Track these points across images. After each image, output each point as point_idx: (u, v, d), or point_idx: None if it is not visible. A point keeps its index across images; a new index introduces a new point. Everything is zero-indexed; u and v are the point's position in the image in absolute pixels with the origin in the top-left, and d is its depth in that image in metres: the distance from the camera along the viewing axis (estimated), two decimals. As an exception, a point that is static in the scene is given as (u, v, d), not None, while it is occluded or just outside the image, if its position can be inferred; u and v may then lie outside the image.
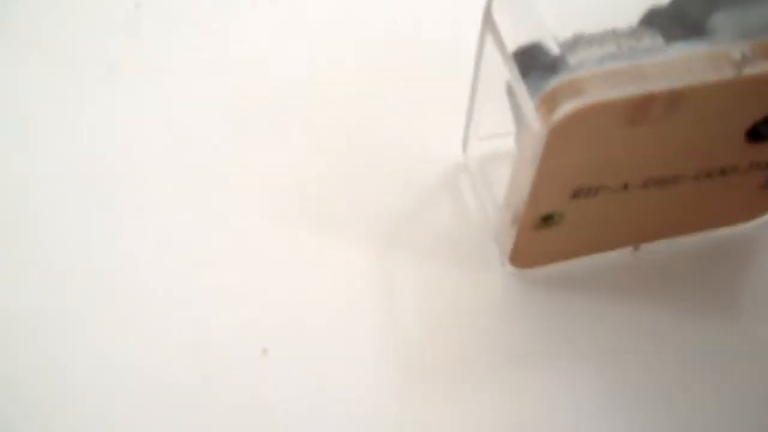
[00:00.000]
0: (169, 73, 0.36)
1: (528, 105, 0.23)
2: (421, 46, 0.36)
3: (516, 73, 0.24)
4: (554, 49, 0.25)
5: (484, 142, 0.32)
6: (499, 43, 0.25)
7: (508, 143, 0.28)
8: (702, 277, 0.31)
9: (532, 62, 0.25)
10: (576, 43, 0.26)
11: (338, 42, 0.37)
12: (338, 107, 0.35)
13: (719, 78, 0.23)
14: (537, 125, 0.23)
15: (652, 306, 0.31)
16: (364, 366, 0.29)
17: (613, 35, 0.26)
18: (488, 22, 0.26)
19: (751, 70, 0.23)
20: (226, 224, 0.32)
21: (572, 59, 0.25)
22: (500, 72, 0.26)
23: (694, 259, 0.32)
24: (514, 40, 0.26)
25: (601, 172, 0.26)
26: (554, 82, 0.23)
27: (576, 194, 0.27)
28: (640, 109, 0.23)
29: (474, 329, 0.30)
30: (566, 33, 0.26)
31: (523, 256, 0.30)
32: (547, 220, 0.28)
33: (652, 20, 0.27)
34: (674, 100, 0.23)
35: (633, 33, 0.26)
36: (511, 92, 0.26)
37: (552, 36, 0.25)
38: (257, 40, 0.37)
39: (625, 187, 0.27)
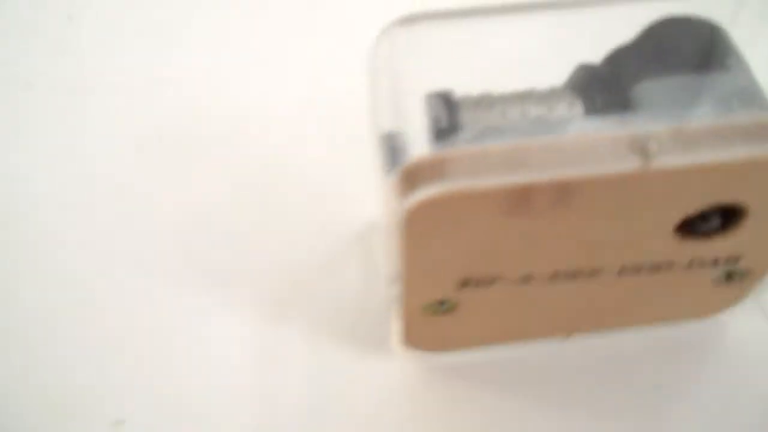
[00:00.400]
0: (88, 95, 0.33)
1: (387, 181, 0.19)
2: (340, 105, 0.31)
3: (380, 137, 0.20)
4: (441, 115, 0.21)
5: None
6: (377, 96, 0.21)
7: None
8: (640, 379, 0.27)
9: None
10: (478, 104, 0.22)
11: (264, 91, 0.33)
12: (255, 154, 0.31)
13: (621, 170, 0.19)
14: (393, 207, 0.19)
15: (575, 408, 0.26)
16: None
17: (522, 98, 0.22)
18: (373, 74, 0.22)
19: (666, 161, 0.19)
20: (107, 272, 0.29)
21: (467, 124, 0.21)
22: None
23: (633, 357, 0.27)
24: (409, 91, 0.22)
25: (489, 262, 0.22)
26: (420, 156, 0.19)
27: (465, 284, 0.22)
28: (518, 201, 0.19)
29: (361, 423, 0.26)
30: (482, 85, 0.22)
31: (420, 339, 0.26)
32: (439, 306, 0.23)
33: (576, 82, 0.22)
34: (561, 192, 0.19)
35: (548, 97, 0.22)
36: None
37: (439, 99, 0.21)
38: (190, 67, 0.34)
39: (528, 279, 0.23)
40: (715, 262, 0.23)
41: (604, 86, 0.22)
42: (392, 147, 0.20)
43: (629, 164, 0.18)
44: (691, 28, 0.22)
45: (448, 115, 0.21)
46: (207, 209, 0.30)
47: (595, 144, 0.19)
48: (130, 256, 0.29)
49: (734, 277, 0.24)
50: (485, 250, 0.21)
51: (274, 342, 0.27)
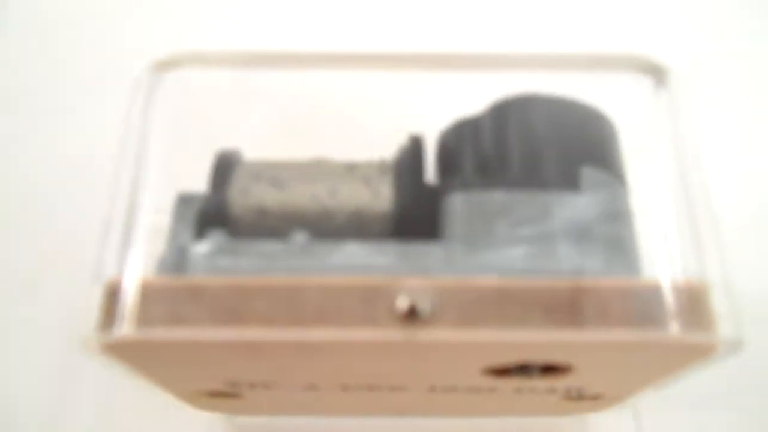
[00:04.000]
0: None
1: (91, 291, 0.15)
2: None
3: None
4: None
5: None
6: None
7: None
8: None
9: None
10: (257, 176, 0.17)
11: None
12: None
13: (378, 338, 0.14)
14: (82, 329, 0.15)
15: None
16: None
17: (313, 169, 0.17)
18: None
19: (440, 334, 0.14)
20: None
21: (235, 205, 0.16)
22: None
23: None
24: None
25: (252, 375, 0.18)
26: (127, 272, 0.15)
27: (236, 385, 0.18)
28: (247, 350, 0.15)
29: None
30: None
31: (208, 407, 0.22)
32: (216, 394, 0.20)
33: (399, 155, 0.17)
34: (297, 348, 0.14)
35: (348, 171, 0.17)
36: None
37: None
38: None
39: (314, 387, 0.19)
40: (553, 391, 0.19)
41: (420, 174, 0.17)
42: (109, 244, 0.15)
43: (385, 332, 0.14)
44: (560, 115, 0.17)
45: (216, 184, 0.17)
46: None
47: (346, 297, 0.14)
48: None
49: (584, 398, 0.20)
50: (234, 370, 0.17)
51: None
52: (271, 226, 0.16)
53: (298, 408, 0.22)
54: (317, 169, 0.17)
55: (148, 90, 0.16)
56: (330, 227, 0.16)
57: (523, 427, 0.23)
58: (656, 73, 0.16)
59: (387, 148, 0.17)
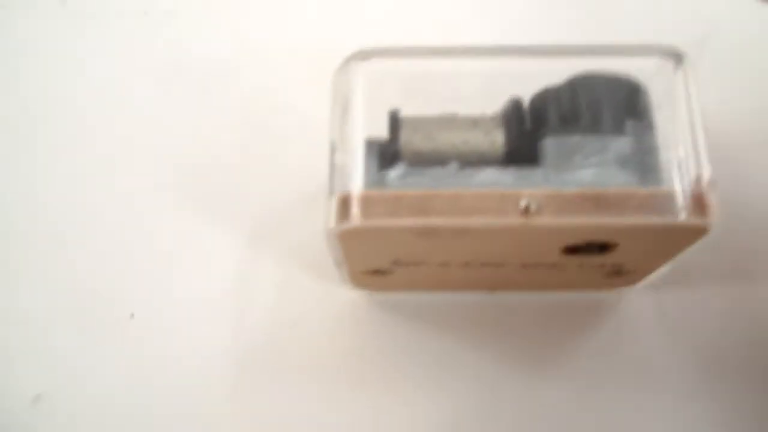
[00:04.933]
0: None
1: (328, 202, 0.25)
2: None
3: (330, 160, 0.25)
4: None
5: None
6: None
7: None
8: (546, 333, 0.33)
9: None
10: (415, 126, 0.26)
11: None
12: (249, 96, 0.36)
13: (506, 223, 0.24)
14: (330, 224, 0.25)
15: (495, 352, 0.33)
16: (205, 351, 0.33)
17: (449, 122, 0.26)
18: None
19: (542, 221, 0.24)
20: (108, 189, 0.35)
21: (403, 146, 0.26)
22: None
23: (545, 313, 0.33)
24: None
25: (411, 256, 0.28)
26: (353, 191, 0.24)
27: (396, 263, 0.29)
28: (425, 233, 0.25)
29: (318, 337, 0.33)
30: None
31: (364, 285, 0.32)
32: (376, 272, 0.30)
33: (505, 113, 0.27)
34: (459, 232, 0.24)
35: (473, 123, 0.26)
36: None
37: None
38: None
39: (447, 264, 0.29)
40: (602, 266, 0.29)
41: (522, 125, 0.26)
42: (336, 171, 0.25)
43: (513, 220, 0.24)
44: (610, 85, 0.26)
45: (392, 135, 0.26)
46: (205, 142, 0.36)
47: (488, 200, 0.24)
48: (131, 177, 0.35)
49: (622, 273, 0.30)
50: (406, 251, 0.27)
51: (250, 265, 0.34)
52: (429, 160, 0.26)
53: (424, 283, 0.32)
54: (452, 124, 0.26)
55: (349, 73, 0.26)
56: (468, 161, 0.25)
57: (577, 301, 0.33)
58: (675, 56, 0.26)
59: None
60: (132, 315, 0.33)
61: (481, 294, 0.33)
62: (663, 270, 0.30)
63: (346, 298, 0.34)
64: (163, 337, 0.33)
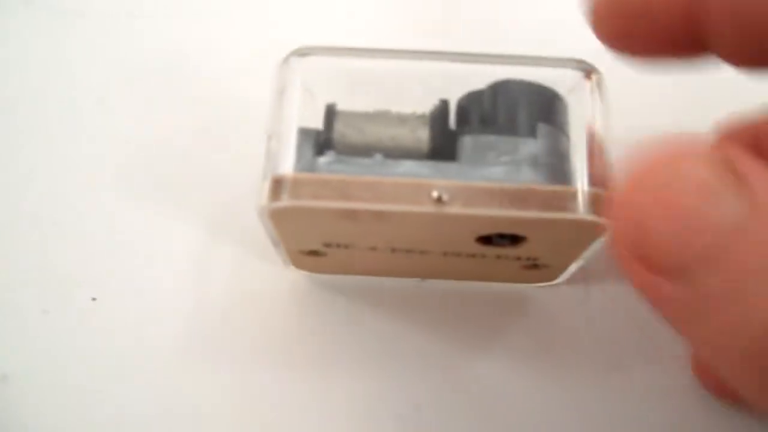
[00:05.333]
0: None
1: (262, 182, 0.27)
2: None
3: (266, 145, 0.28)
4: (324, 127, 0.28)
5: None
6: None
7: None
8: (474, 321, 0.36)
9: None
10: (347, 120, 0.29)
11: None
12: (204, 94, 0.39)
13: (421, 210, 0.26)
14: (263, 203, 0.27)
15: (427, 335, 0.35)
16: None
17: (381, 119, 0.29)
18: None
19: (454, 210, 0.26)
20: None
21: (336, 138, 0.28)
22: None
23: (473, 301, 0.36)
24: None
25: (339, 238, 0.30)
26: (283, 174, 0.27)
27: (328, 245, 0.31)
28: (347, 215, 0.27)
29: (262, 316, 0.36)
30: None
31: (304, 266, 0.35)
32: (312, 253, 0.32)
33: (432, 113, 0.29)
34: (378, 216, 0.27)
35: (402, 121, 0.29)
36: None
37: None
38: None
39: (374, 249, 0.31)
40: (518, 258, 0.31)
41: (446, 125, 0.29)
42: (271, 156, 0.27)
43: (427, 208, 0.26)
44: (528, 91, 0.29)
45: (327, 126, 0.29)
46: (164, 132, 0.38)
47: (404, 189, 0.26)
48: (92, 165, 0.38)
49: (539, 267, 0.33)
50: (332, 233, 0.29)
51: (206, 248, 0.36)
52: (358, 151, 0.28)
53: (359, 268, 0.34)
54: (382, 120, 0.29)
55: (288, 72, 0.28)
56: (393, 153, 0.28)
57: (502, 293, 0.36)
58: (586, 69, 0.28)
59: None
60: (93, 298, 0.35)
61: (414, 281, 0.36)
62: (577, 266, 0.32)
63: (290, 278, 0.36)
64: (124, 320, 0.35)
